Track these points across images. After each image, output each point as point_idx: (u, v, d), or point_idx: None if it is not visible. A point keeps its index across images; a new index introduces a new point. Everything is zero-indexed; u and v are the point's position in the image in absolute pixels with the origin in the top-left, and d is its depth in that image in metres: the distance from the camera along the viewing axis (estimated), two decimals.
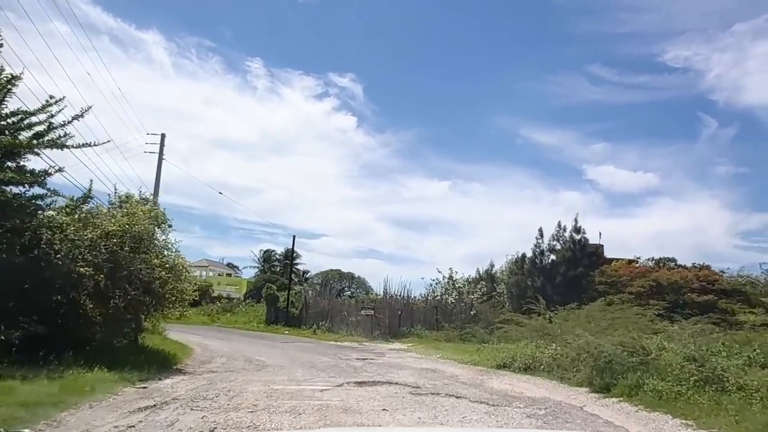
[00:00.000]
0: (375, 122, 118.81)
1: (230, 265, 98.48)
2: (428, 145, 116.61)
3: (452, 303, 32.57)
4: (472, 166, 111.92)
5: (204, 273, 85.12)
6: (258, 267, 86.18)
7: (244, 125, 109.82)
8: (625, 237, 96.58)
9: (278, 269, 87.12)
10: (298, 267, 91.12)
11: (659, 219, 77.72)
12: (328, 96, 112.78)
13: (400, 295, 31.84)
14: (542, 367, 12.95)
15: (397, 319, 30.60)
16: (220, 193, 34.98)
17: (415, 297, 33.74)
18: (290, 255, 36.85)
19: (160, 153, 29.93)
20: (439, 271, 34.31)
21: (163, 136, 30.31)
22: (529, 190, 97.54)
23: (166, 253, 15.05)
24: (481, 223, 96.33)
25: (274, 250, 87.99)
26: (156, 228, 15.30)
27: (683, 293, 37.14)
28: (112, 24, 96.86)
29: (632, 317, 16.57)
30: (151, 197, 28.99)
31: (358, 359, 16.40)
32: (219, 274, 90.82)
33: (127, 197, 16.05)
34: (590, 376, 10.80)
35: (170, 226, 17.40)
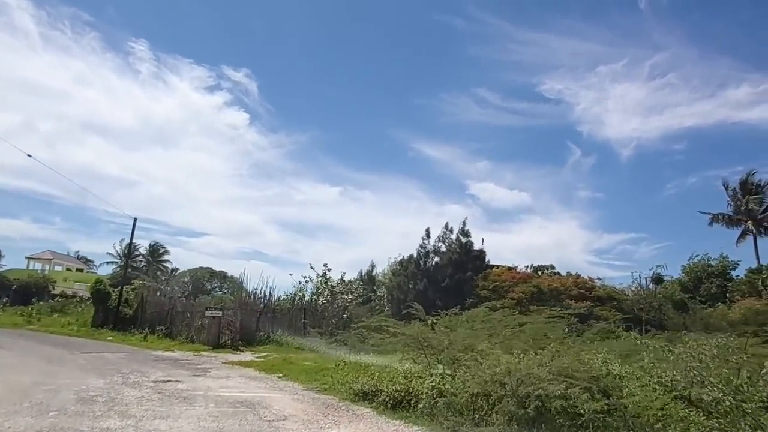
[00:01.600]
0: (269, 121, 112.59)
1: (83, 260, 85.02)
2: (322, 149, 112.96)
3: (323, 304, 27.41)
4: (364, 174, 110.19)
5: (46, 266, 71.99)
6: (117, 262, 74.99)
7: (122, 110, 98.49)
8: (499, 249, 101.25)
9: (142, 265, 76.61)
10: (165, 264, 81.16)
11: (529, 234, 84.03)
12: (220, 89, 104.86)
13: (260, 295, 26.00)
14: (421, 405, 8.12)
15: (255, 322, 24.73)
16: (29, 155, 24.95)
17: (280, 297, 28.12)
18: (130, 245, 29.26)
19: None
20: (312, 268, 29.05)
21: None
22: (416, 201, 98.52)
23: None
24: (370, 230, 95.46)
25: (138, 244, 77.25)
26: None
27: (562, 299, 35.50)
28: None
29: (542, 326, 12.45)
30: None
31: (150, 383, 10.53)
32: (68, 269, 77.49)
33: None
34: None
35: None
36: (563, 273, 44.35)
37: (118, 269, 68.86)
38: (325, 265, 29.14)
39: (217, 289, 69.13)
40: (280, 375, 12.67)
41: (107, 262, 76.31)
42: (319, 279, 28.99)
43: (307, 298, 28.25)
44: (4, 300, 48.42)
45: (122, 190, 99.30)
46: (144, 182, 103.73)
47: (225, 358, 17.86)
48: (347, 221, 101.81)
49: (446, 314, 26.55)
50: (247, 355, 19.44)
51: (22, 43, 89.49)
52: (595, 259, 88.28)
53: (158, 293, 26.91)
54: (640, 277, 37.60)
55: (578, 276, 41.75)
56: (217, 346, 21.93)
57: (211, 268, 71.73)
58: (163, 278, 69.00)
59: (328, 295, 27.32)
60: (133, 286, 28.86)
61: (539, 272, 43.72)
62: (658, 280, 37.74)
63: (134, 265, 74.05)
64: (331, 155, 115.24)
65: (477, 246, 40.14)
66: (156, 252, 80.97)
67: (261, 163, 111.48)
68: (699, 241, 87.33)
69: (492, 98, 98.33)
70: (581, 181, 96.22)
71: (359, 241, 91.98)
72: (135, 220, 29.67)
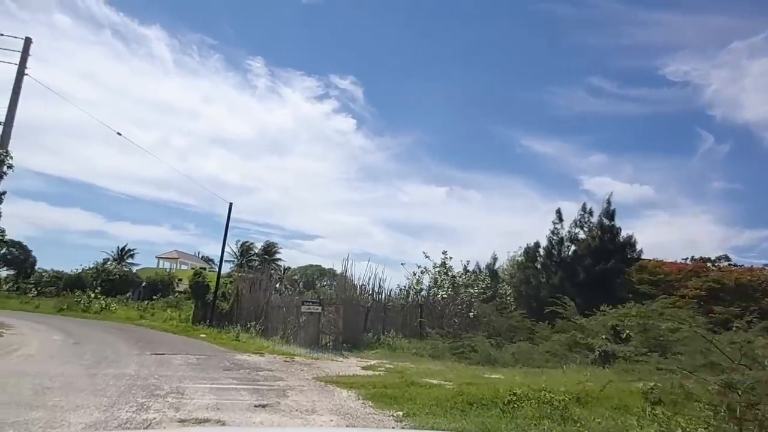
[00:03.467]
0: (374, 125, 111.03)
1: (206, 259, 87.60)
2: (427, 150, 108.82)
3: (444, 300, 21.72)
4: (470, 173, 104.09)
5: (173, 265, 74.51)
6: (234, 261, 75.83)
7: (242, 124, 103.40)
8: None
9: (256, 264, 76.76)
10: (279, 263, 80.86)
11: (654, 231, 72.82)
12: (329, 98, 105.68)
13: (368, 288, 20.96)
14: None
15: (362, 321, 19.74)
16: (119, 134, 23.90)
17: (392, 291, 22.95)
18: (226, 229, 25.77)
19: (22, 63, 19.17)
20: (427, 256, 23.52)
21: (27, 41, 19.55)
22: (524, 198, 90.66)
23: None
24: (477, 230, 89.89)
25: (252, 243, 77.61)
26: None
27: (757, 298, 26.43)
28: (115, 18, 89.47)
29: None
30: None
31: (175, 421, 5.63)
32: (192, 268, 79.79)
33: None
34: None
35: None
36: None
37: (235, 268, 68.90)
38: (444, 252, 23.51)
39: (326, 286, 66.69)
40: (399, 412, 7.16)
41: (225, 261, 77.06)
42: (437, 269, 23.38)
43: (423, 292, 22.79)
44: (128, 295, 49.01)
45: (242, 197, 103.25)
46: (261, 189, 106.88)
47: (321, 368, 12.80)
48: (453, 221, 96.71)
49: (603, 313, 19.75)
50: (351, 364, 14.29)
51: (158, 69, 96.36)
52: (734, 258, 73.51)
53: (255, 285, 22.97)
54: None
55: (762, 268, 31.79)
56: (316, 349, 17.14)
57: (320, 266, 69.49)
58: (274, 277, 68.33)
59: (449, 288, 21.62)
60: (231, 279, 25.38)
61: (715, 264, 34.15)
62: None
63: (249, 263, 74.36)
64: (436, 155, 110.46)
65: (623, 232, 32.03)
66: (269, 251, 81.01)
67: (368, 166, 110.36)
68: None
69: (607, 86, 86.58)
70: (715, 171, 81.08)
71: (466, 240, 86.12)
72: (230, 204, 26.33)
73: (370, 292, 20.72)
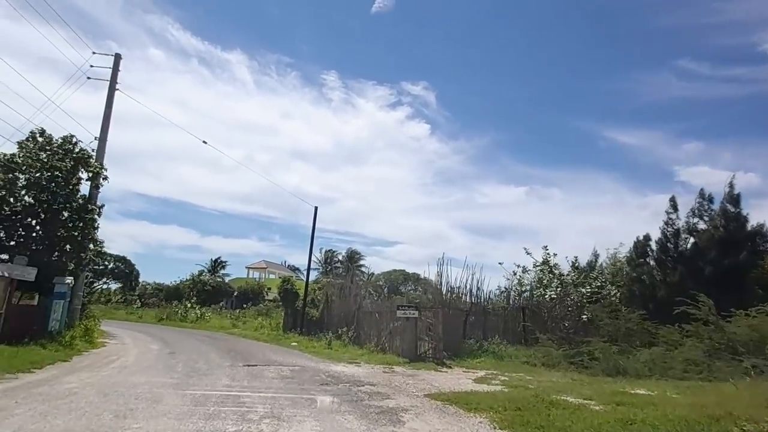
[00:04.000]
0: (448, 129, 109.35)
1: (292, 268, 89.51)
2: (503, 150, 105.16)
3: (552, 301, 19.30)
4: (550, 171, 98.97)
5: (262, 274, 76.66)
6: (319, 269, 76.66)
7: (319, 136, 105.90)
8: None
9: (341, 271, 77.10)
10: (362, 269, 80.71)
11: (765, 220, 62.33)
12: (402, 105, 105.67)
13: (465, 291, 19.06)
14: None
15: (461, 326, 17.88)
16: (204, 142, 25.17)
17: (491, 292, 20.85)
18: (312, 231, 24.97)
19: (113, 78, 19.50)
20: (528, 253, 21.16)
21: (117, 57, 19.89)
22: (611, 194, 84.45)
23: None
24: (559, 229, 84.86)
25: (336, 250, 78.15)
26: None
27: None
28: (200, 47, 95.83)
29: None
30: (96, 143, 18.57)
31: None
32: (279, 277, 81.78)
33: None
34: None
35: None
36: None
37: (320, 276, 69.42)
38: (545, 248, 21.01)
39: (411, 291, 65.29)
40: None
41: (311, 269, 78.05)
42: (539, 268, 20.94)
43: (526, 293, 20.46)
44: (221, 304, 50.44)
45: (323, 207, 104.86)
46: (341, 198, 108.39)
47: (428, 381, 11.13)
48: (534, 221, 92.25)
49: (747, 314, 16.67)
50: (459, 376, 12.50)
51: (240, 90, 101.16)
52: None
53: (344, 291, 21.85)
54: None
55: None
56: (414, 357, 15.52)
57: (404, 270, 68.21)
58: (360, 282, 68.11)
59: (557, 287, 19.17)
60: (319, 285, 24.49)
61: None
62: None
63: (334, 271, 74.79)
64: (513, 155, 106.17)
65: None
66: (353, 258, 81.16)
67: (443, 170, 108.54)
68: None
69: (698, 68, 78.30)
70: None
71: (550, 240, 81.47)
72: (316, 208, 25.54)
73: (468, 295, 18.81)
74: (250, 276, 76.53)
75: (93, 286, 44.54)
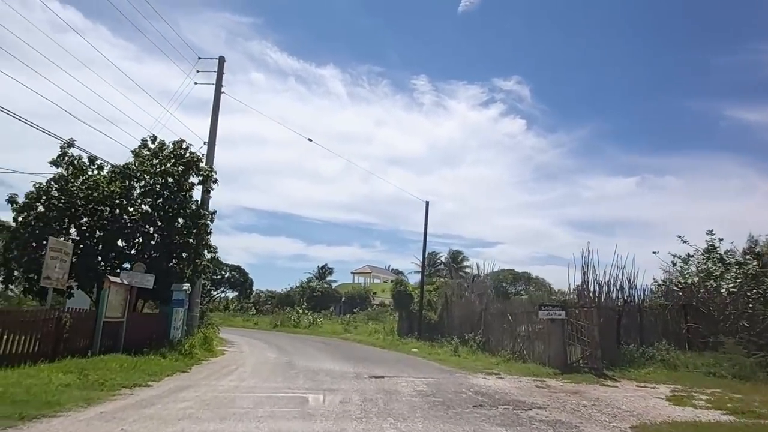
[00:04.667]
0: (545, 122, 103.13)
1: (395, 272, 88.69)
2: (609, 139, 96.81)
3: (731, 296, 15.46)
4: (663, 158, 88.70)
5: (367, 279, 76.60)
6: (421, 272, 74.68)
7: (413, 141, 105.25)
8: None
9: (443, 273, 74.73)
10: (466, 270, 77.57)
11: None
12: (494, 102, 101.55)
13: (613, 287, 15.89)
14: None
15: (613, 329, 14.81)
16: (309, 140, 24.05)
17: (646, 288, 17.38)
18: (425, 227, 23.02)
19: (218, 81, 19.16)
20: (684, 241, 17.36)
21: (221, 60, 19.56)
22: (737, 178, 72.99)
23: None
24: (678, 221, 75.60)
25: (438, 253, 75.97)
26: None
27: None
28: (296, 66, 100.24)
29: None
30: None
31: None
32: (384, 281, 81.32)
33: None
34: None
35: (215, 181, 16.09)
36: None
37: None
38: (709, 232, 17.07)
39: (522, 292, 61.07)
40: None
41: (414, 272, 77.06)
42: (703, 257, 17.06)
43: (687, 284, 16.70)
44: (331, 310, 50.46)
45: (420, 211, 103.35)
46: (437, 201, 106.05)
47: (606, 402, 8.53)
48: (647, 213, 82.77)
49: None
50: (639, 393, 9.69)
51: (335, 103, 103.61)
52: None
53: (466, 293, 19.60)
54: None
55: None
56: (565, 367, 12.84)
57: (513, 270, 64.01)
58: (465, 285, 65.22)
59: (736, 278, 15.29)
60: (435, 286, 22.50)
61: None
62: None
63: (437, 273, 72.59)
64: (620, 144, 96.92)
65: None
66: (456, 259, 78.29)
67: (543, 165, 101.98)
68: None
69: None
70: None
71: (666, 233, 72.07)
72: (427, 204, 23.62)
73: (619, 292, 15.63)
74: (356, 281, 76.83)
75: (211, 295, 46.73)
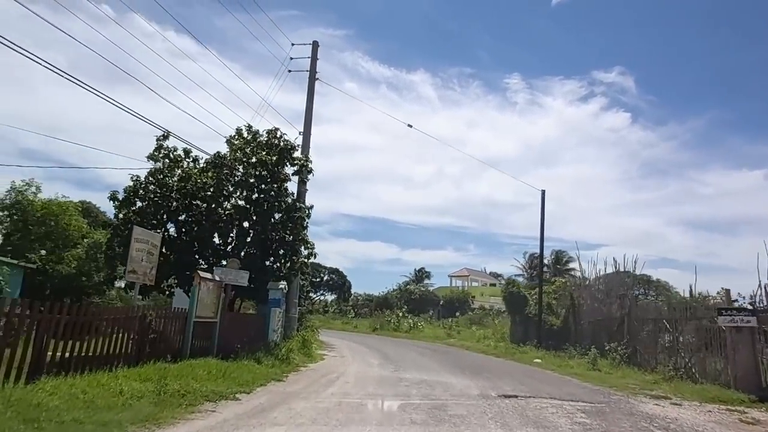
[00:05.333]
0: (653, 114, 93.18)
1: (494, 275, 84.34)
2: (730, 129, 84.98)
3: None
4: None
5: (464, 283, 73.42)
6: (524, 274, 70.16)
7: (507, 142, 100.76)
8: None
9: (547, 275, 69.39)
10: (572, 273, 71.59)
11: None
12: (594, 96, 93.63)
13: None
14: None
15: None
16: (409, 125, 21.71)
17: None
18: (542, 219, 20.05)
19: (312, 66, 17.95)
20: None
21: (314, 45, 18.34)
22: None
23: None
24: None
25: (538, 254, 70.46)
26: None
27: None
28: (387, 73, 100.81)
29: None
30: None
31: None
32: (482, 284, 77.58)
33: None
34: None
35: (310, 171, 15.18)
36: None
37: (525, 281, 63.10)
38: None
39: (641, 296, 54.42)
40: None
41: (515, 275, 72.65)
42: None
43: None
44: (431, 313, 48.38)
45: (516, 213, 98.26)
46: (534, 203, 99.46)
47: None
48: None
49: None
50: None
51: (426, 108, 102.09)
52: None
53: (596, 294, 16.41)
54: None
55: None
56: (760, 392, 9.47)
57: (629, 272, 57.42)
58: (627, 279, 59.43)
59: None
60: (554, 286, 19.43)
61: None
62: None
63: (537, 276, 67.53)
64: (742, 134, 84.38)
65: None
66: (559, 260, 72.39)
67: (652, 160, 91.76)
68: None
69: None
70: None
71: None
72: (543, 192, 20.62)
73: None
74: (453, 284, 74.00)
75: (310, 296, 46.60)
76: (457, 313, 48.31)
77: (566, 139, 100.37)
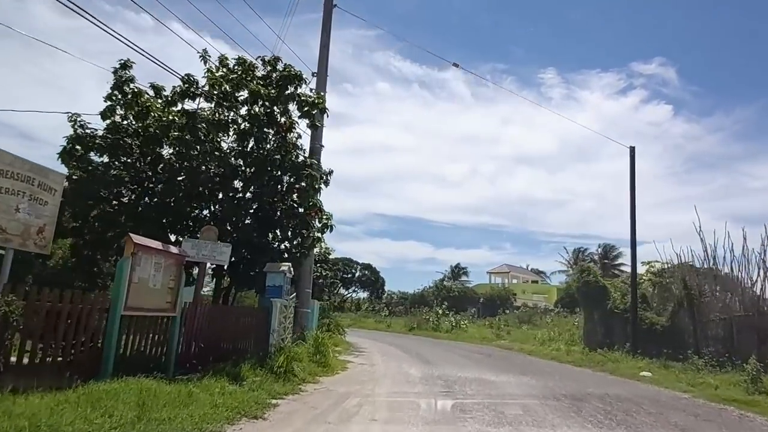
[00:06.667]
0: (697, 105, 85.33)
1: (535, 271, 78.49)
2: None
3: None
4: None
5: (504, 280, 68.10)
6: (568, 272, 64.44)
7: (542, 138, 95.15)
8: None
9: (600, 273, 63.38)
10: (621, 269, 65.36)
11: None
12: (633, 89, 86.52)
13: None
14: None
15: None
16: (455, 65, 17.62)
17: None
18: (632, 179, 15.03)
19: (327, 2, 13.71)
20: None
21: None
22: None
23: None
24: None
25: (586, 248, 65.00)
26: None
27: None
28: (419, 72, 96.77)
29: None
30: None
31: None
32: (524, 282, 72.03)
33: None
34: None
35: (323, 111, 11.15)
36: None
37: (571, 278, 57.37)
38: None
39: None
40: None
41: (558, 271, 67.02)
42: None
43: None
44: (473, 312, 43.74)
45: (554, 211, 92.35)
46: (572, 200, 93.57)
47: None
48: None
49: None
50: None
51: (459, 105, 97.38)
52: None
53: (715, 289, 11.52)
54: None
55: None
56: None
57: (692, 264, 51.02)
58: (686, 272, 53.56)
59: None
60: (652, 271, 14.54)
61: None
62: None
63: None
64: None
65: None
66: (607, 255, 66.26)
67: (697, 154, 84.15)
68: None
69: None
70: None
71: None
72: (632, 149, 15.73)
73: None
74: (492, 281, 68.85)
75: (341, 293, 42.45)
76: (502, 311, 43.70)
77: (605, 134, 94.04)
